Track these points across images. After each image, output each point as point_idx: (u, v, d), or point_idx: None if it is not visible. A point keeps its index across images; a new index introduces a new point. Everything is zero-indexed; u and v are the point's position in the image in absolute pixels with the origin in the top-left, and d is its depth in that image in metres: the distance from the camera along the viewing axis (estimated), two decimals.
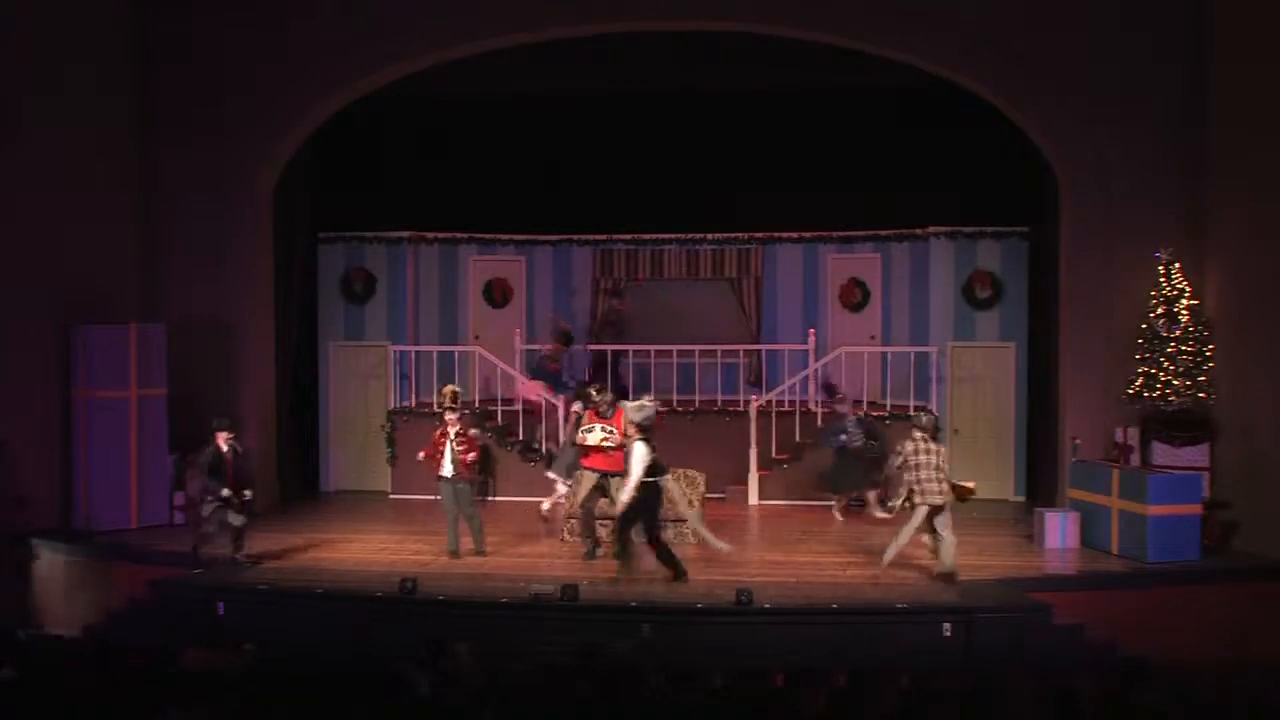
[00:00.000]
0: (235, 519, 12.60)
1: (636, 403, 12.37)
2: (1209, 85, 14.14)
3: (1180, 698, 7.85)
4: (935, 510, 12.08)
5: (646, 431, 12.00)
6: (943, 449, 12.31)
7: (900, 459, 12.27)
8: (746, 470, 16.27)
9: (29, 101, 13.76)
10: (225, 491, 12.53)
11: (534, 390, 16.49)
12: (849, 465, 15.13)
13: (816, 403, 16.80)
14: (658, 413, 12.33)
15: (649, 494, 11.98)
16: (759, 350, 18.03)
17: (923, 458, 12.09)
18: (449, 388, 13.85)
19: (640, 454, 11.92)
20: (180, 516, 14.85)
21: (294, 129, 15.87)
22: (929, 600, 11.47)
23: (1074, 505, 13.62)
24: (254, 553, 12.89)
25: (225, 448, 12.66)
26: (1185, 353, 13.78)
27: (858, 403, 15.76)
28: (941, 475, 12.10)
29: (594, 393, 13.31)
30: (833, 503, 15.33)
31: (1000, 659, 10.45)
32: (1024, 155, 15.46)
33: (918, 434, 12.24)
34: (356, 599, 11.66)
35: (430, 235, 18.24)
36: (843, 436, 15.00)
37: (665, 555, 12.13)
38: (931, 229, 17.20)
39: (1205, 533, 12.76)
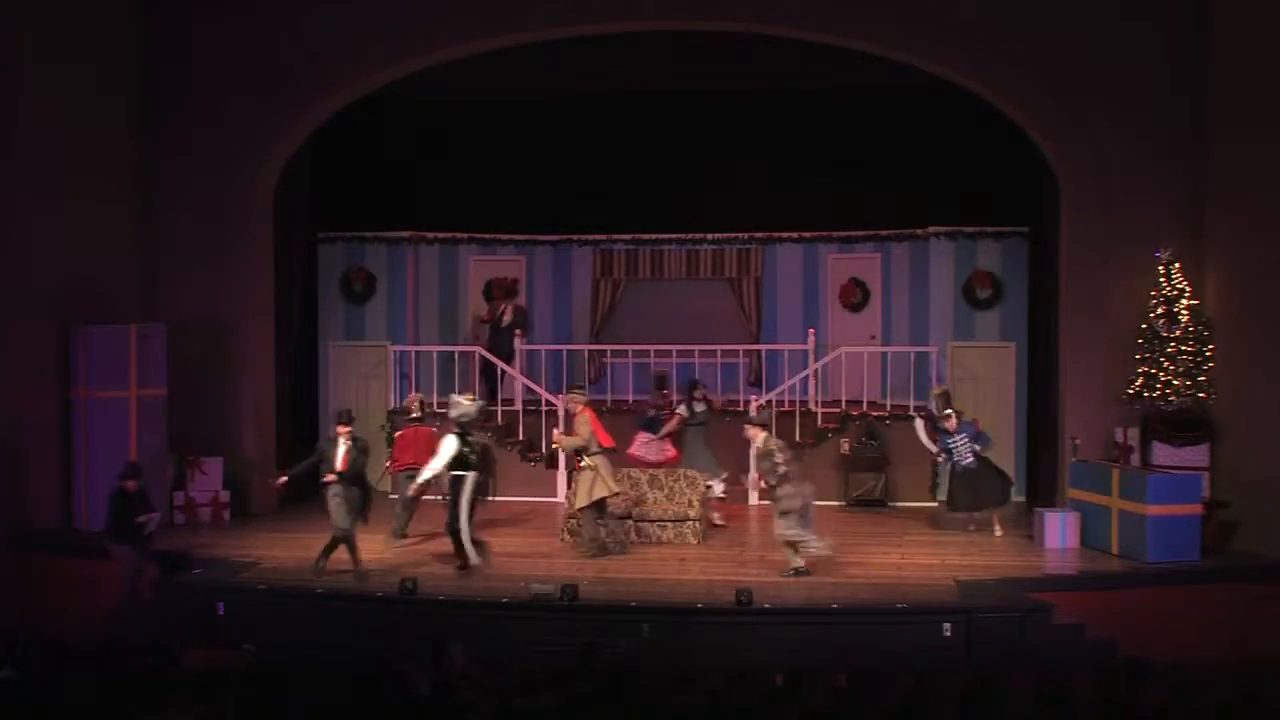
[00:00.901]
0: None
1: (454, 399, 12.78)
2: (1209, 85, 14.14)
3: (1180, 698, 7.85)
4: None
5: (462, 427, 12.45)
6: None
7: (781, 464, 12.23)
8: (747, 470, 16.24)
9: (29, 101, 13.76)
10: (330, 476, 12.26)
11: (652, 451, 14.95)
12: (960, 481, 14.16)
13: (817, 403, 16.80)
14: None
15: (457, 487, 12.34)
16: (759, 350, 18.04)
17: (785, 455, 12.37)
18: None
19: (447, 447, 12.32)
20: (181, 517, 14.87)
21: (294, 128, 15.87)
22: (929, 600, 11.48)
23: (1074, 505, 13.61)
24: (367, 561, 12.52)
25: (343, 442, 12.32)
26: (1185, 353, 13.80)
27: (955, 414, 14.30)
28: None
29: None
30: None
31: (1000, 659, 10.44)
32: (1024, 155, 15.46)
33: (770, 437, 12.56)
34: (356, 599, 11.67)
35: (430, 235, 18.25)
36: (954, 452, 14.15)
37: (459, 546, 12.34)
38: (931, 229, 17.21)
39: (1205, 533, 12.76)
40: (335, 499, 12.18)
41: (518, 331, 17.73)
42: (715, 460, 14.81)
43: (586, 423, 13.17)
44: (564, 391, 15.27)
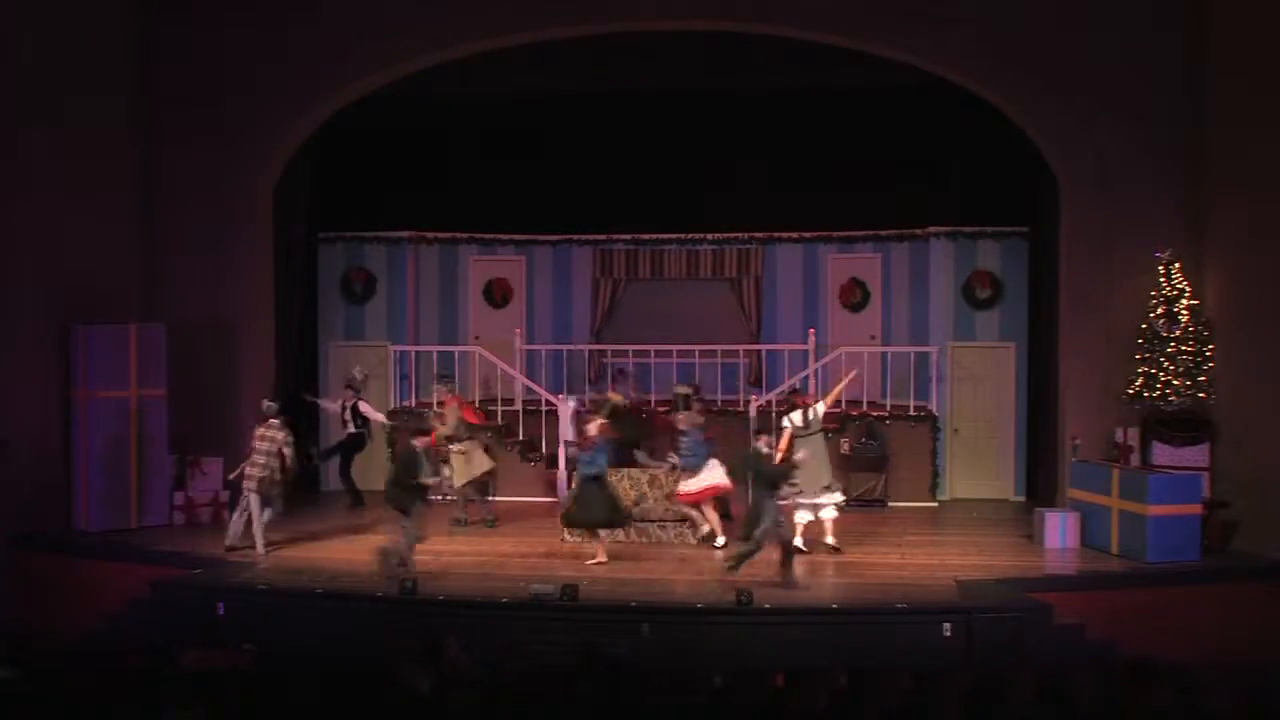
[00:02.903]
0: None
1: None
2: (1209, 85, 14.14)
3: (1180, 698, 7.85)
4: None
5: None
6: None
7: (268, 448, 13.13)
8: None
9: (29, 101, 13.75)
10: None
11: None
12: (578, 491, 13.04)
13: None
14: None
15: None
16: (759, 350, 18.03)
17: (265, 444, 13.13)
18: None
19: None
20: (181, 517, 14.86)
21: (294, 128, 15.86)
22: (929, 600, 11.48)
23: (1074, 505, 13.61)
24: None
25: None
26: (1185, 353, 13.80)
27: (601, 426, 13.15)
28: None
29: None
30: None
31: (1000, 659, 10.45)
32: (1024, 155, 15.46)
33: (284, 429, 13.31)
34: (356, 599, 11.66)
35: (430, 235, 18.24)
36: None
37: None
38: (931, 229, 17.20)
39: (1205, 533, 12.77)
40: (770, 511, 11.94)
41: (517, 331, 17.83)
42: (829, 476, 13.46)
43: (455, 411, 14.56)
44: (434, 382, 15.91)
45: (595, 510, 12.79)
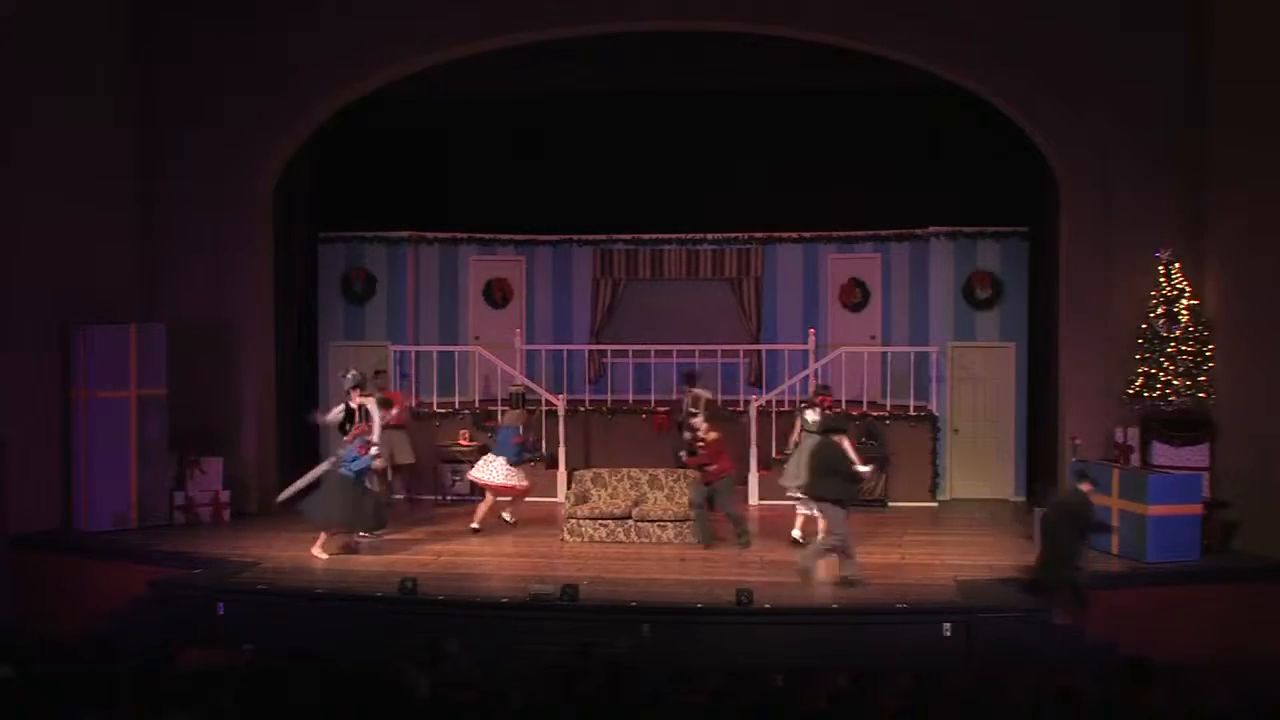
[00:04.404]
0: None
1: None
2: (1209, 85, 14.14)
3: (1180, 698, 7.85)
4: None
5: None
6: None
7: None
8: (746, 470, 16.25)
9: (29, 102, 13.76)
10: None
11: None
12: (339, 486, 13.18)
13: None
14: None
15: None
16: (759, 350, 18.04)
17: None
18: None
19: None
20: (181, 517, 14.85)
21: (294, 129, 15.87)
22: (929, 600, 11.48)
23: None
24: None
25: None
26: (1185, 353, 13.80)
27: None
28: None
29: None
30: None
31: (1000, 659, 10.45)
32: (1024, 155, 15.46)
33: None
34: (356, 599, 11.67)
35: (430, 235, 18.24)
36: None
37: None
38: (931, 229, 17.19)
39: (1205, 533, 12.76)
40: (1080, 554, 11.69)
41: (518, 331, 17.82)
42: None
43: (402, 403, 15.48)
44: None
45: (334, 506, 13.06)
